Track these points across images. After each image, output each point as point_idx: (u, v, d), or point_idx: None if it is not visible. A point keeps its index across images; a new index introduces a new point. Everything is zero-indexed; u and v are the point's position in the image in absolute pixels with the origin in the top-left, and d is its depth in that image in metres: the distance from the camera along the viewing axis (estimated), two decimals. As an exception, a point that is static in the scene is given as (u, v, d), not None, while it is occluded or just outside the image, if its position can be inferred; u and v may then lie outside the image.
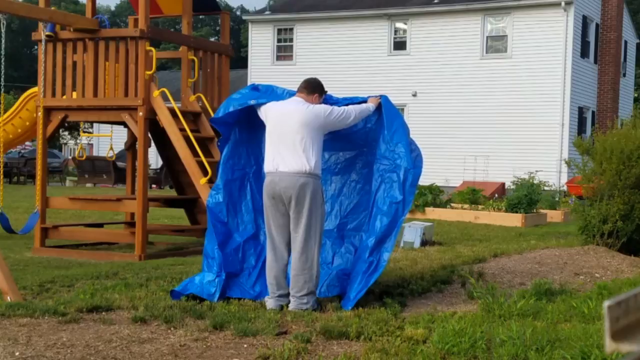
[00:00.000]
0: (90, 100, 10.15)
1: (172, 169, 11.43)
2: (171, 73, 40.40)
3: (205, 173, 9.22)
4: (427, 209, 16.05)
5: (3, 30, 9.35)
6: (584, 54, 25.99)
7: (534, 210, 15.67)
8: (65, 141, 42.22)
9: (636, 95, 39.41)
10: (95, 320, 5.35)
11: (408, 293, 6.58)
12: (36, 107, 10.55)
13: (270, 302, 5.95)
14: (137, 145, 10.16)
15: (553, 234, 12.33)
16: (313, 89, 6.20)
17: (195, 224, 11.37)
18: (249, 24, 30.27)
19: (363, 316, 5.50)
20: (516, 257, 8.60)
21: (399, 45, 27.03)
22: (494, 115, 24.97)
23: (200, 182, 9.20)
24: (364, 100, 6.50)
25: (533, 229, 13.78)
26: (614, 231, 9.17)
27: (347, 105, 6.36)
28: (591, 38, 26.66)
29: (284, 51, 28.89)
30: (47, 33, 10.19)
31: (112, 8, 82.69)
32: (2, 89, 9.61)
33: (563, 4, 24.36)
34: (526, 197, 15.44)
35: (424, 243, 9.86)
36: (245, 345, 4.81)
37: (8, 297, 6.09)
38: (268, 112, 6.17)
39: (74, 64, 10.35)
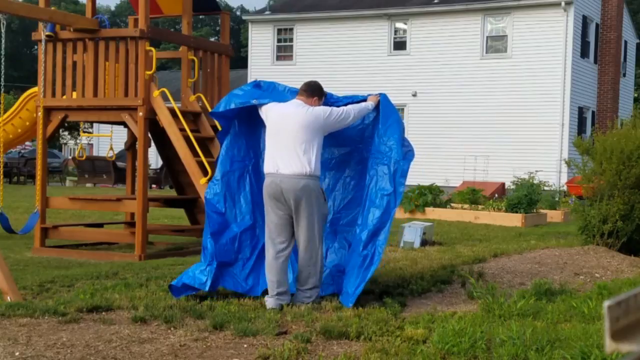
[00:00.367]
0: (90, 100, 10.15)
1: (172, 169, 11.42)
2: (171, 73, 40.41)
3: (205, 173, 9.23)
4: (427, 209, 16.05)
5: (3, 30, 9.34)
6: (584, 54, 25.99)
7: (534, 210, 15.67)
8: (65, 141, 42.21)
9: (636, 95, 39.41)
10: (95, 320, 5.35)
11: (408, 293, 6.58)
12: (36, 107, 10.55)
13: (270, 302, 5.99)
14: (137, 145, 10.16)
15: (553, 234, 12.33)
16: (313, 92, 6.30)
17: (195, 224, 11.36)
18: (249, 24, 30.27)
19: (363, 316, 5.50)
20: (516, 257, 8.60)
21: (399, 45, 27.04)
22: (494, 115, 24.97)
23: (200, 182, 9.20)
24: (364, 99, 6.58)
25: (533, 229, 13.78)
26: (614, 231, 9.17)
27: (347, 104, 6.45)
28: (591, 38, 26.66)
29: (284, 51, 28.90)
30: (47, 33, 10.19)
31: (112, 8, 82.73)
32: (2, 89, 9.61)
33: (563, 4, 24.36)
34: (526, 197, 15.44)
35: (424, 243, 9.86)
36: (245, 345, 4.81)
37: (8, 297, 6.09)
38: (269, 113, 6.28)
39: (74, 64, 10.35)
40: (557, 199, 18.03)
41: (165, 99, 9.83)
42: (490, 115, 25.00)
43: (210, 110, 10.31)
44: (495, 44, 25.72)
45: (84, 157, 17.58)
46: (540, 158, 23.76)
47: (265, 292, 6.20)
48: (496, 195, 21.03)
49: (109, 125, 12.99)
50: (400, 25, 27.13)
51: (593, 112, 27.01)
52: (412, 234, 9.87)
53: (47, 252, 10.12)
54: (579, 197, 12.76)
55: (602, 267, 8.18)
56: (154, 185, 26.85)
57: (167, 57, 17.99)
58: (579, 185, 11.14)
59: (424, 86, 26.14)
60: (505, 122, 24.76)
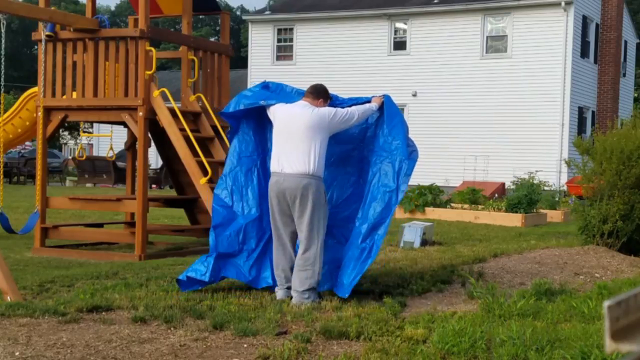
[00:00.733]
0: (90, 100, 10.15)
1: (172, 169, 11.42)
2: (171, 73, 40.40)
3: (205, 173, 9.23)
4: (427, 209, 16.05)
5: (3, 30, 9.35)
6: (584, 53, 25.99)
7: (534, 210, 15.67)
8: (65, 141, 42.20)
9: (636, 95, 39.41)
10: (95, 320, 5.35)
11: (408, 293, 6.58)
12: (36, 107, 10.55)
13: (280, 293, 6.32)
14: (137, 145, 10.16)
15: (553, 234, 12.33)
16: (318, 94, 6.53)
17: (195, 224, 11.36)
18: (249, 24, 30.27)
19: (363, 316, 5.51)
20: (516, 257, 8.61)
21: (399, 45, 27.04)
22: (493, 115, 24.98)
23: (200, 182, 9.20)
24: (368, 100, 6.75)
25: (533, 229, 13.78)
26: (614, 231, 9.18)
27: (351, 105, 6.62)
28: (591, 38, 26.66)
29: (284, 51, 28.90)
30: (47, 33, 10.19)
31: (112, 8, 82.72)
32: (2, 89, 9.61)
33: (563, 4, 24.36)
34: (526, 197, 15.44)
35: (424, 243, 9.86)
36: (245, 345, 4.81)
37: (8, 297, 6.09)
38: (276, 114, 6.48)
39: (74, 64, 10.35)
40: (557, 199, 18.03)
41: (165, 99, 9.83)
42: (490, 115, 25.01)
43: (210, 110, 10.36)
44: (495, 44, 25.72)
45: (84, 157, 17.58)
46: (540, 158, 23.76)
47: (268, 287, 6.49)
48: (496, 195, 21.03)
49: (109, 125, 12.99)
50: (400, 25, 27.13)
51: (593, 112, 27.01)
52: (412, 233, 9.88)
53: (47, 252, 10.12)
54: (579, 197, 12.76)
55: (602, 267, 8.18)
56: (154, 185, 26.84)
57: (167, 57, 18.00)
58: (579, 185, 11.14)
59: (424, 86, 26.15)
60: (505, 122, 24.76)
